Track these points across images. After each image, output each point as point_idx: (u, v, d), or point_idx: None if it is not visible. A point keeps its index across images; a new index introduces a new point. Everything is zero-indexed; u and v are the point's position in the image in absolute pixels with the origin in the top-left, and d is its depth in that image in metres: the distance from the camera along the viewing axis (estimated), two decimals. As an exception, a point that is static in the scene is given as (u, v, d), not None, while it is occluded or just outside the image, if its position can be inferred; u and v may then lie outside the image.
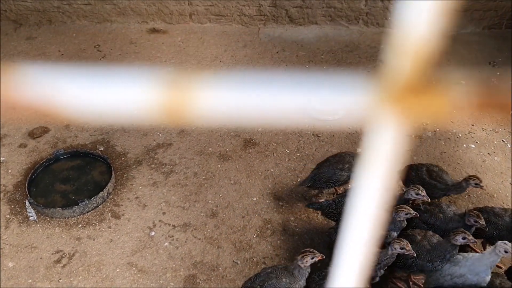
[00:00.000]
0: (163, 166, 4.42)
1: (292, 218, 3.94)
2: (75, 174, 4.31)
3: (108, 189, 4.08)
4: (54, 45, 6.28)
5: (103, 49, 6.23)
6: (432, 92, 0.38)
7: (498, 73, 5.85)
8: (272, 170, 4.43)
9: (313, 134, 4.84)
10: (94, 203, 3.97)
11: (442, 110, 0.39)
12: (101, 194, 3.99)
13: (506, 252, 2.83)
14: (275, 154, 4.61)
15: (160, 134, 4.79)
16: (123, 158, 4.50)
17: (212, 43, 6.38)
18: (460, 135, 4.84)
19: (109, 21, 6.76)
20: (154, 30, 6.62)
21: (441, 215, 3.37)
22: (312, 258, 2.90)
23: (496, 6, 6.51)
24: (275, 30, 6.72)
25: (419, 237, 3.16)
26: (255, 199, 4.12)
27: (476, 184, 3.46)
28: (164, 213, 3.96)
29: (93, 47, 6.26)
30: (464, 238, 2.98)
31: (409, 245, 2.86)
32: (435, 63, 0.38)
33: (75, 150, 4.51)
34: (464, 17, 6.61)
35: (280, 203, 4.08)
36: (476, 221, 3.19)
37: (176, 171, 4.37)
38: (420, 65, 0.38)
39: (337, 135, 4.83)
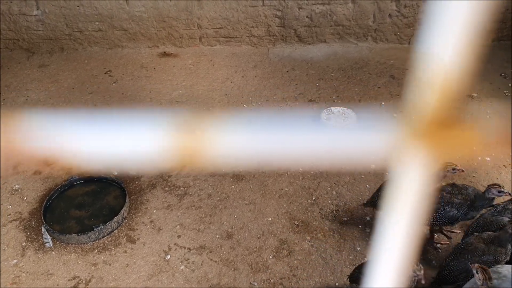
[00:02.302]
0: (177, 189, 4.42)
1: (308, 238, 3.89)
2: (89, 199, 4.33)
3: (123, 213, 4.08)
4: (66, 72, 6.38)
5: (115, 74, 6.31)
6: (459, 126, 0.37)
7: (510, 85, 5.80)
8: (286, 189, 4.41)
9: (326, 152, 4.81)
10: (109, 228, 3.97)
11: (470, 145, 0.38)
12: (116, 218, 3.99)
13: None
14: (288, 172, 4.59)
15: (173, 157, 4.80)
16: (137, 182, 4.51)
17: (222, 65, 6.43)
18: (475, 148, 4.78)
19: (120, 46, 6.86)
20: (164, 54, 6.70)
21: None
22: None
23: (504, 18, 6.49)
24: (285, 50, 6.76)
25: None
26: (270, 219, 4.09)
27: (499, 192, 3.40)
28: (179, 236, 3.94)
29: (104, 73, 6.35)
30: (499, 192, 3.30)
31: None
32: (460, 91, 0.37)
33: (89, 175, 4.54)
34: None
35: (296, 223, 4.04)
36: (500, 191, 3.33)
37: (190, 193, 4.37)
38: (447, 95, 0.37)
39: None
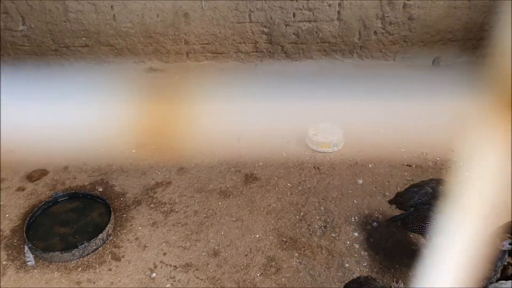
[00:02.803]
0: (162, 205, 4.36)
1: (297, 254, 3.85)
2: (74, 216, 4.24)
3: (108, 230, 4.00)
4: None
5: (101, 90, 6.26)
6: None
7: (495, 101, 5.86)
8: (274, 205, 4.37)
9: (314, 167, 4.80)
10: (94, 246, 3.89)
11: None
12: (100, 236, 3.91)
13: None
14: (276, 188, 4.56)
15: (159, 173, 4.75)
16: (122, 199, 4.44)
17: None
18: (462, 164, 4.81)
19: (106, 62, 6.83)
20: (151, 69, 6.68)
21: None
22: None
23: (489, 35, 6.60)
24: (272, 66, 6.79)
25: None
26: (257, 235, 4.05)
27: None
28: (164, 254, 3.87)
29: (91, 88, 6.30)
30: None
31: None
32: None
33: (73, 191, 4.46)
34: (458, 46, 6.69)
35: (284, 239, 4.00)
36: None
37: (176, 210, 4.31)
38: None
39: (337, 167, 4.79)
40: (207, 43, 6.68)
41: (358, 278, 3.09)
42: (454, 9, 6.34)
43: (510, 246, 2.98)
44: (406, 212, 3.65)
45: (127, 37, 6.64)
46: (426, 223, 3.48)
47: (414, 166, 4.78)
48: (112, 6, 6.37)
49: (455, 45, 6.69)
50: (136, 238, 4.03)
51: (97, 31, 6.59)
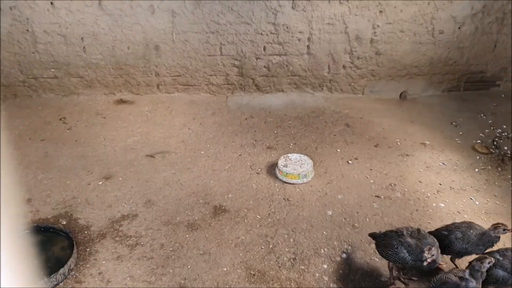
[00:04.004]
0: (128, 239, 4.23)
1: (265, 288, 3.77)
2: (35, 250, 4.07)
3: (70, 265, 3.85)
4: (18, 119, 6.19)
5: (69, 121, 6.17)
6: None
7: (460, 133, 6.00)
8: (243, 237, 4.30)
9: (283, 199, 4.77)
10: (54, 281, 3.72)
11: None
12: (61, 270, 3.76)
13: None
14: (245, 220, 4.49)
15: (125, 205, 4.64)
16: (86, 232, 4.30)
17: (180, 112, 6.41)
18: (429, 195, 4.85)
19: (75, 93, 6.76)
20: (121, 101, 6.63)
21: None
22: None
23: (453, 69, 6.82)
24: (243, 98, 6.83)
25: None
26: (225, 269, 3.95)
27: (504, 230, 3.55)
28: (129, 289, 3.73)
29: (58, 120, 6.19)
30: None
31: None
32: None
33: (35, 225, 4.30)
34: (424, 80, 6.88)
35: (252, 272, 3.91)
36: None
37: (142, 243, 4.19)
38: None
39: (307, 198, 4.77)
40: (178, 75, 6.69)
41: None
42: (419, 44, 6.55)
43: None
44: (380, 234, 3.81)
45: (97, 68, 6.61)
46: (390, 250, 3.55)
47: (383, 197, 4.80)
48: (82, 38, 6.35)
49: (421, 79, 6.88)
50: (100, 273, 3.88)
51: (67, 63, 6.53)
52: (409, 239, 3.55)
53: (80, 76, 6.64)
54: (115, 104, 6.56)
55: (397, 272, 3.81)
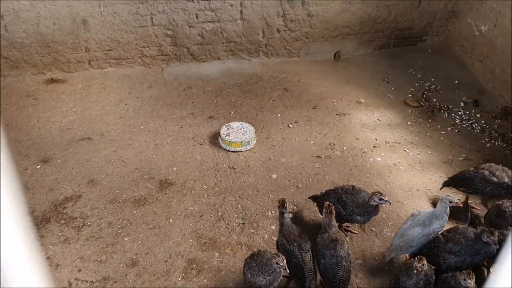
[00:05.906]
0: (73, 220, 4.15)
1: (217, 254, 3.85)
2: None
3: (14, 253, 3.74)
4: None
5: (-3, 105, 5.85)
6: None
7: (392, 89, 6.26)
8: (191, 208, 4.33)
9: (229, 167, 4.83)
10: (-1, 272, 3.61)
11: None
12: (6, 260, 3.64)
13: (450, 202, 3.44)
14: (193, 191, 4.52)
15: (67, 187, 4.52)
16: (28, 218, 4.17)
17: (115, 87, 6.23)
18: (366, 151, 5.07)
19: (1, 75, 6.37)
20: (52, 80, 6.34)
21: (462, 239, 3.47)
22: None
23: (382, 27, 7.02)
24: (179, 69, 6.72)
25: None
26: (176, 240, 3.99)
27: (380, 199, 3.65)
28: (79, 270, 3.69)
29: (-15, 105, 5.85)
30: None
31: None
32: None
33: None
34: (356, 40, 7.05)
35: (203, 241, 3.98)
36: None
37: (89, 223, 4.13)
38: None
39: (252, 165, 4.85)
40: (109, 49, 6.46)
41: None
42: (349, 4, 6.68)
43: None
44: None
45: (23, 48, 6.24)
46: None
47: (323, 156, 4.96)
48: (2, 16, 5.96)
49: (353, 38, 7.04)
50: (48, 258, 3.81)
51: (-13, 43, 6.13)
52: (343, 196, 3.79)
53: (5, 57, 6.25)
54: (46, 84, 6.27)
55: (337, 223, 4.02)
